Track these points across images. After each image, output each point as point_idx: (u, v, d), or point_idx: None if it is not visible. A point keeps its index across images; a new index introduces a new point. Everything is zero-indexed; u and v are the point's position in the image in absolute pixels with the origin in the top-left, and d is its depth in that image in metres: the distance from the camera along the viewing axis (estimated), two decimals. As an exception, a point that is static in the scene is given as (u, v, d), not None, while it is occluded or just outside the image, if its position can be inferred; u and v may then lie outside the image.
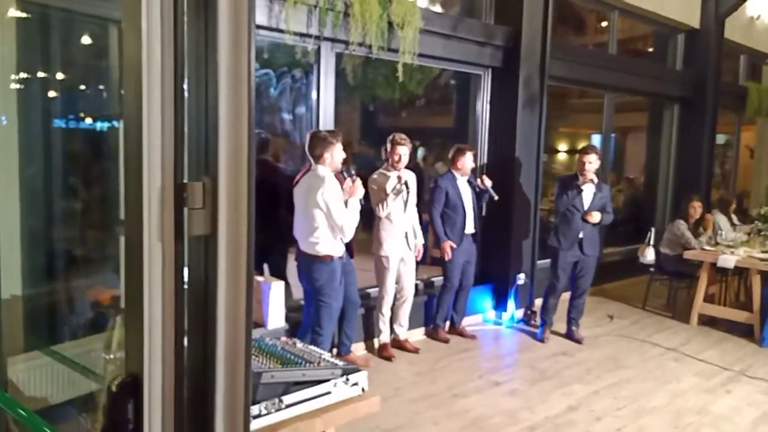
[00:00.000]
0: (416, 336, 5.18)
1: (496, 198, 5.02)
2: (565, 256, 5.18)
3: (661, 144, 8.41)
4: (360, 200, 4.04)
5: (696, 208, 6.28)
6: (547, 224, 7.78)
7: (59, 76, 3.60)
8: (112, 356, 2.15)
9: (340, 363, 2.12)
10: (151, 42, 1.09)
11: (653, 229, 6.34)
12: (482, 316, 5.83)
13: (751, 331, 5.50)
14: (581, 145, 10.19)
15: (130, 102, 1.12)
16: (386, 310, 4.74)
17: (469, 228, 5.02)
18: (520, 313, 5.82)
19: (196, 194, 1.08)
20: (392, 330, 4.86)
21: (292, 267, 4.42)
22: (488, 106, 5.81)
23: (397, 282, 4.74)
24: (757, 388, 4.41)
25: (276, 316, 4.20)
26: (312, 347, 2.28)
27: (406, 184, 4.58)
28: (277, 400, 1.90)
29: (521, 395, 4.16)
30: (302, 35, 4.22)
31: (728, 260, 5.60)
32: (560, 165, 10.68)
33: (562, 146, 11.04)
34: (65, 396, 2.76)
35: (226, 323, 1.14)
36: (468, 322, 5.55)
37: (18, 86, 3.16)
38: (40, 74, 3.45)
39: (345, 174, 4.03)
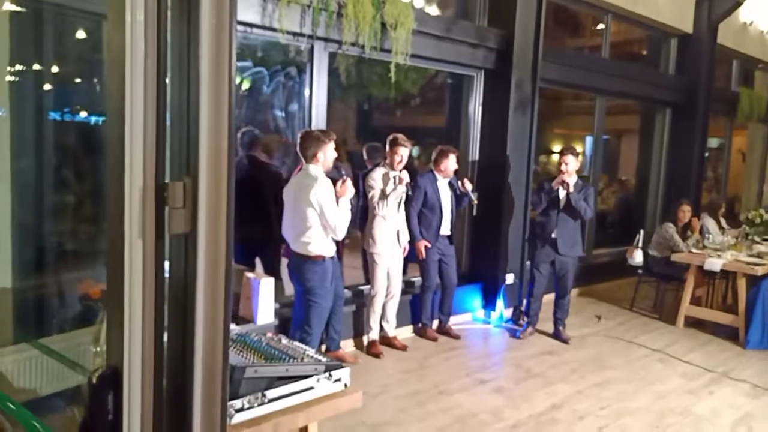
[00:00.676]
0: (405, 334, 5.24)
1: (475, 202, 5.07)
2: (540, 255, 5.28)
3: (653, 147, 8.48)
4: (351, 200, 4.07)
5: (685, 211, 6.34)
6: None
7: (52, 69, 3.62)
8: (99, 349, 2.18)
9: (324, 359, 2.16)
10: (135, 37, 1.11)
11: (642, 231, 6.41)
12: (471, 315, 5.88)
13: (737, 333, 5.56)
14: (575, 146, 10.28)
15: (114, 98, 1.15)
16: (378, 308, 4.78)
17: (445, 229, 5.06)
18: (509, 313, 5.88)
19: (177, 194, 1.11)
20: (381, 327, 4.90)
21: (284, 263, 4.45)
22: (480, 107, 5.86)
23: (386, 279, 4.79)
24: (739, 390, 4.47)
25: (265, 312, 4.22)
26: (297, 343, 2.32)
27: (408, 185, 4.65)
28: (260, 395, 1.94)
29: (506, 393, 4.22)
30: (295, 34, 4.25)
31: (715, 263, 5.67)
32: (555, 166, 10.74)
33: (557, 147, 11.11)
34: (53, 388, 2.79)
35: (204, 318, 1.18)
36: (457, 321, 5.61)
37: (11, 79, 3.18)
38: (33, 67, 3.47)
39: (337, 174, 4.07)
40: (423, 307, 5.21)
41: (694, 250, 6.07)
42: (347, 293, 4.97)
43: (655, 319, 6.22)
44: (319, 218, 3.88)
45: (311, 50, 4.52)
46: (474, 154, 5.90)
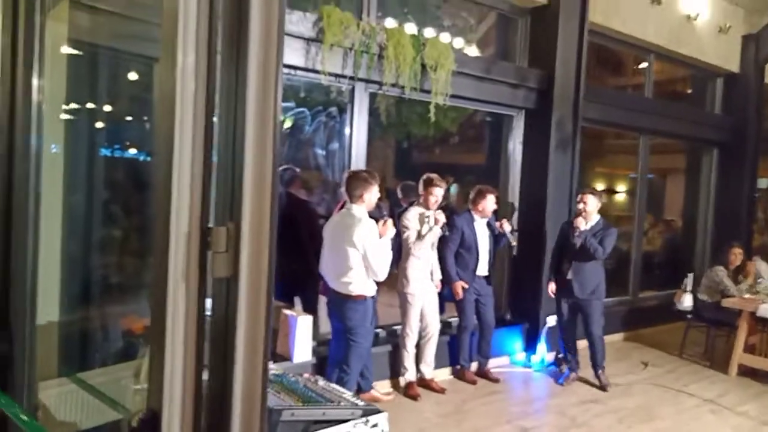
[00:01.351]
0: (442, 376, 5.12)
1: (513, 243, 4.98)
2: (560, 298, 5.14)
3: (700, 187, 8.25)
4: (390, 240, 4.08)
5: (736, 254, 6.11)
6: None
7: (104, 109, 3.78)
8: (139, 387, 2.20)
9: (361, 403, 2.12)
10: (185, 79, 1.15)
11: (691, 275, 6.17)
12: (511, 358, 5.73)
13: (794, 385, 5.26)
14: (619, 185, 10.10)
15: (162, 141, 1.17)
16: (411, 348, 4.70)
17: (482, 270, 4.98)
18: (550, 357, 5.70)
19: (221, 239, 1.13)
20: (418, 369, 4.81)
21: (323, 300, 4.46)
22: (520, 146, 5.83)
23: (421, 320, 4.72)
24: (800, 447, 4.20)
25: (302, 350, 4.21)
26: (334, 386, 2.30)
27: (444, 225, 4.61)
28: (296, 439, 1.91)
29: (548, 443, 4.05)
30: (337, 76, 4.34)
31: (769, 310, 5.40)
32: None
33: (599, 186, 10.92)
34: (94, 423, 2.82)
35: (244, 361, 1.17)
36: (497, 364, 5.47)
37: (66, 117, 3.32)
38: (87, 107, 3.62)
39: (378, 213, 4.08)
40: (461, 349, 5.10)
41: (746, 295, 5.81)
42: (383, 333, 4.93)
43: (705, 367, 5.93)
44: (362, 259, 3.87)
45: (352, 91, 4.60)
46: (514, 192, 5.85)
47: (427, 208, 4.62)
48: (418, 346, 4.76)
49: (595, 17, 5.89)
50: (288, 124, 5.68)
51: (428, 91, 4.75)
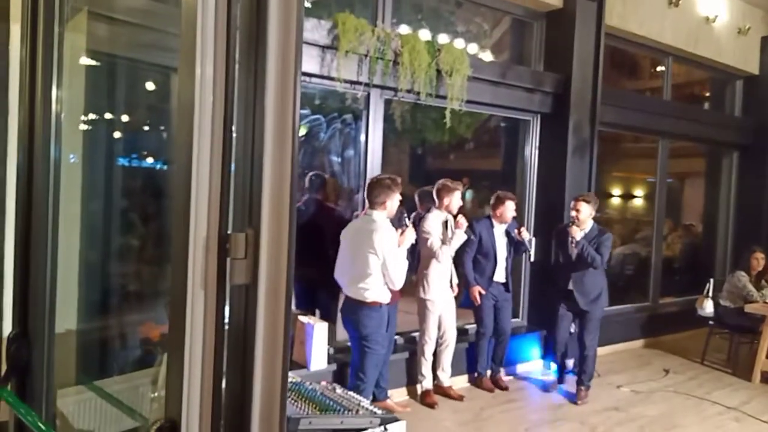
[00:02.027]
0: (460, 383, 5.07)
1: (530, 252, 4.89)
2: (557, 307, 5.03)
3: (720, 191, 8.13)
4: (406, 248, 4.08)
5: (759, 259, 6.00)
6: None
7: (122, 118, 3.81)
8: (157, 394, 2.19)
9: (379, 412, 2.10)
10: (204, 89, 1.14)
11: (712, 280, 6.07)
12: (531, 365, 5.66)
13: (822, 392, 5.13)
14: (636, 189, 9.98)
15: (181, 149, 1.17)
16: (429, 355, 4.66)
17: (499, 276, 4.92)
18: (570, 364, 5.61)
19: (239, 245, 1.11)
20: (435, 376, 4.77)
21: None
22: (537, 151, 5.79)
23: (439, 327, 4.68)
24: (829, 457, 4.09)
25: (319, 358, 4.20)
26: (351, 394, 2.27)
27: (468, 229, 4.59)
28: (314, 448, 1.89)
29: (569, 452, 3.99)
30: (352, 83, 4.34)
31: (794, 316, 5.29)
32: (614, 210, 10.43)
33: (616, 191, 10.81)
34: (112, 431, 2.82)
35: (263, 369, 1.16)
36: (516, 372, 5.41)
37: (84, 127, 3.35)
38: (105, 116, 3.66)
39: (399, 221, 4.06)
40: (479, 356, 5.06)
41: (770, 301, 5.70)
42: (400, 339, 4.89)
43: (728, 374, 5.81)
44: (380, 266, 3.85)
45: (367, 98, 4.60)
46: (530, 197, 5.80)
47: (448, 212, 4.60)
48: (435, 354, 4.72)
49: (612, 20, 5.84)
50: (303, 131, 5.69)
51: (444, 97, 4.73)
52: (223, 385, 1.16)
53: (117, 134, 3.79)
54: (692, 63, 7.32)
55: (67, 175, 2.40)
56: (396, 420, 2.07)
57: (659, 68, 7.24)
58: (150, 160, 4.13)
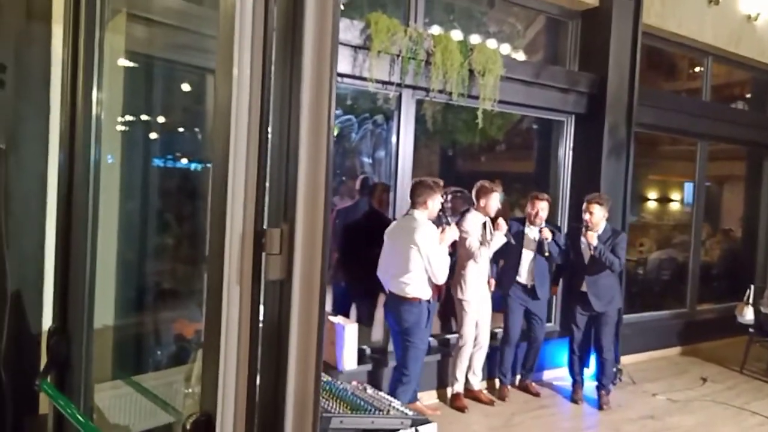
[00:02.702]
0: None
1: (546, 254, 4.74)
2: (572, 310, 4.92)
3: (761, 195, 7.87)
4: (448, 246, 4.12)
5: (802, 265, 5.79)
6: (635, 276, 7.41)
7: (158, 119, 3.88)
8: (191, 390, 2.22)
9: (410, 413, 2.08)
10: (241, 89, 1.16)
11: (752, 287, 5.88)
12: (563, 371, 5.55)
13: None
14: (673, 193, 9.74)
15: (219, 147, 1.18)
16: (465, 359, 4.62)
17: (523, 278, 4.81)
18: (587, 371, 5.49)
19: (274, 240, 1.12)
20: (466, 379, 4.72)
21: (379, 310, 4.49)
22: (571, 152, 5.69)
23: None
24: None
25: (349, 358, 4.19)
26: (382, 394, 2.26)
27: (508, 232, 4.57)
28: (344, 447, 1.89)
29: (602, 459, 3.91)
30: (384, 83, 4.34)
31: (841, 324, 5.09)
32: (650, 214, 10.21)
33: (652, 194, 10.58)
34: (146, 426, 2.87)
35: (297, 365, 1.16)
36: (548, 377, 5.33)
37: (122, 128, 3.42)
38: (141, 117, 3.73)
39: (441, 221, 4.12)
40: (503, 361, 4.94)
41: (814, 309, 5.49)
42: (433, 341, 4.86)
43: (769, 384, 5.63)
44: (422, 261, 3.89)
45: (399, 98, 4.59)
46: (564, 200, 5.70)
47: (486, 214, 4.56)
48: (469, 357, 4.68)
49: (650, 19, 5.71)
50: (335, 132, 5.71)
51: (476, 97, 4.69)
52: (258, 377, 1.16)
53: (153, 135, 3.86)
54: (733, 63, 7.11)
55: (106, 175, 2.45)
56: (427, 422, 2.05)
57: (697, 69, 7.06)
58: (185, 160, 4.20)
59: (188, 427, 1.14)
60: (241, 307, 1.15)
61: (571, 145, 5.68)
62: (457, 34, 4.69)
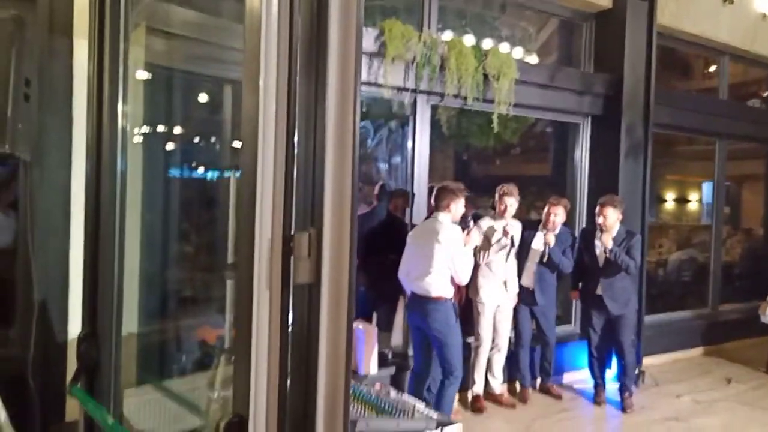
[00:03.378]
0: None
1: (544, 260, 4.68)
2: (589, 313, 4.87)
3: (781, 194, 7.77)
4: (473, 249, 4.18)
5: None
6: (655, 278, 7.35)
7: (177, 129, 3.94)
8: (216, 395, 2.25)
9: (435, 415, 2.09)
10: (268, 99, 1.19)
11: (775, 286, 5.80)
12: (584, 373, 5.51)
13: None
14: (691, 194, 9.65)
15: (247, 156, 1.21)
16: (482, 360, 4.61)
17: (525, 281, 4.75)
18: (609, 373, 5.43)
19: (303, 245, 1.14)
20: (486, 381, 4.71)
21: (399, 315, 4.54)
22: (588, 154, 5.66)
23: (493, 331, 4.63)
24: None
25: (370, 363, 4.22)
26: (406, 397, 2.28)
27: (512, 238, 4.56)
28: (370, 450, 1.90)
29: (626, 462, 3.87)
30: (399, 89, 4.36)
31: None
32: (667, 214, 10.12)
33: (670, 195, 10.48)
34: (172, 429, 2.91)
35: (327, 368, 1.18)
36: (570, 380, 5.29)
37: (144, 139, 3.48)
38: (162, 129, 3.79)
39: (464, 224, 4.17)
40: (519, 362, 4.90)
41: (840, 307, 5.40)
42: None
43: (795, 384, 5.54)
44: (445, 260, 3.93)
45: (414, 103, 4.61)
46: (582, 202, 5.67)
47: (500, 216, 4.58)
48: (486, 358, 4.67)
49: (664, 19, 5.68)
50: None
51: (491, 101, 4.70)
52: (288, 380, 1.18)
53: (174, 145, 3.92)
54: (749, 61, 7.04)
55: (130, 184, 2.50)
56: (452, 423, 2.07)
57: (712, 68, 7.00)
58: (207, 169, 4.25)
59: (222, 429, 1.16)
60: (271, 311, 1.17)
61: (588, 146, 5.65)
62: (469, 39, 4.71)
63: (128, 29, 2.23)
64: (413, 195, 4.65)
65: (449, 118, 6.17)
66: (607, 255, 4.62)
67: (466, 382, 4.72)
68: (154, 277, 3.51)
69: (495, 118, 4.75)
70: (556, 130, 6.60)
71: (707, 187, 7.70)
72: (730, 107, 6.79)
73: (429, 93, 4.55)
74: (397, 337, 4.67)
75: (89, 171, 2.14)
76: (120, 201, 2.11)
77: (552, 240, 4.69)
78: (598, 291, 4.74)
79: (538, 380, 5.07)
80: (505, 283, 4.62)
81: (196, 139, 4.31)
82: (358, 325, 4.24)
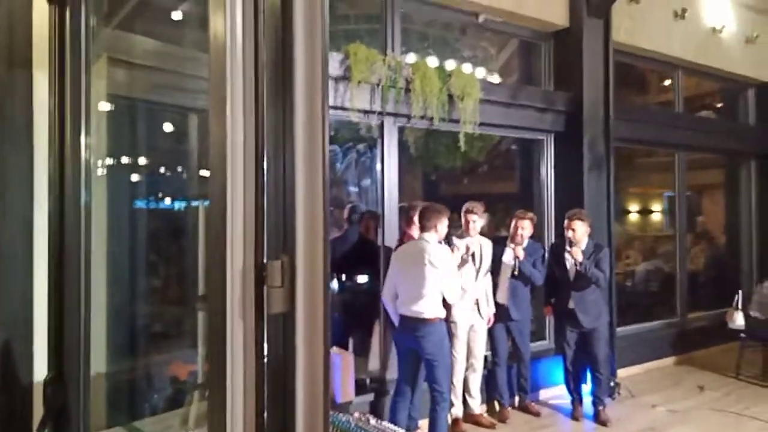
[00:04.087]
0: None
1: (515, 273, 4.75)
2: (563, 328, 4.92)
3: (740, 201, 8.03)
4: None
5: (786, 267, 5.88)
6: (624, 289, 7.46)
7: (142, 160, 3.87)
8: (190, 432, 2.18)
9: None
10: (235, 126, 1.17)
11: (741, 292, 5.95)
12: (560, 389, 5.53)
13: None
14: (653, 205, 9.87)
15: (216, 185, 1.19)
16: (456, 380, 4.58)
17: (499, 297, 4.80)
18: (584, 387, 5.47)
19: (276, 273, 1.12)
20: (465, 403, 4.68)
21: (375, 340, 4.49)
22: (552, 170, 5.77)
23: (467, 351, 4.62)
24: None
25: (346, 390, 4.15)
26: (386, 424, 2.24)
27: (473, 255, 4.57)
28: (352, 480, 1.86)
29: (608, 475, 3.88)
30: (366, 112, 4.39)
31: (830, 323, 5.15)
32: (632, 226, 10.33)
33: (633, 207, 10.71)
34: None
35: (304, 399, 1.15)
36: (547, 396, 5.31)
37: (107, 171, 3.41)
38: (126, 159, 3.72)
39: (451, 243, 4.30)
40: (496, 381, 4.90)
41: (803, 310, 5.56)
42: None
43: (764, 387, 5.65)
44: (436, 281, 3.96)
45: (381, 126, 4.64)
46: (549, 217, 5.76)
47: (467, 234, 4.60)
48: (463, 379, 4.64)
49: (619, 36, 5.87)
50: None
51: (456, 121, 4.77)
52: (265, 416, 1.15)
53: (139, 176, 3.85)
54: (702, 74, 7.32)
55: (95, 218, 2.44)
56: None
57: (666, 82, 7.24)
58: (173, 200, 4.18)
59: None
60: (245, 342, 1.14)
61: (552, 163, 5.76)
62: (433, 61, 4.78)
63: (89, 60, 2.20)
64: (384, 216, 4.66)
65: (416, 139, 6.22)
66: (578, 268, 4.68)
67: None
68: (122, 313, 3.40)
69: (461, 137, 4.81)
70: (521, 147, 6.71)
71: (669, 198, 7.90)
72: (686, 119, 7.02)
73: (396, 115, 4.59)
74: (374, 362, 4.62)
75: (52, 206, 2.08)
76: (85, 236, 2.05)
77: (521, 253, 4.73)
78: (570, 305, 4.78)
79: (516, 398, 5.06)
80: (477, 302, 4.61)
81: (162, 170, 4.25)
82: (334, 352, 4.18)
